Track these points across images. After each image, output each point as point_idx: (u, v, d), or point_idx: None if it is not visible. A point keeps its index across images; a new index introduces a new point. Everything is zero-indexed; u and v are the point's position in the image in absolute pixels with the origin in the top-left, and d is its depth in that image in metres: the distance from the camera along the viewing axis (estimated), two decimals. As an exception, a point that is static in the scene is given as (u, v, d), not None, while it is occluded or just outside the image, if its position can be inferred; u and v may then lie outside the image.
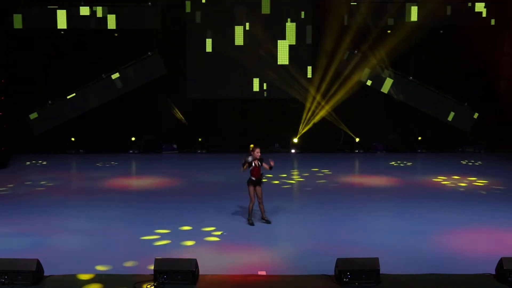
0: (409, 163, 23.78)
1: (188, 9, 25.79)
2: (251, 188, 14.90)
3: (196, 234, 14.14)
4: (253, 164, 14.77)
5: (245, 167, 14.75)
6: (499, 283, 10.90)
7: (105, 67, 25.60)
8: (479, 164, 23.83)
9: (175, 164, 24.32)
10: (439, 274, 11.32)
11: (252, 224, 14.97)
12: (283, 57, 26.02)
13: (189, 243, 13.45)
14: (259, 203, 15.06)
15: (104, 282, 10.88)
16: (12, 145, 24.33)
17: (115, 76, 25.58)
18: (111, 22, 25.06)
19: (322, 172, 21.93)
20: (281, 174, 21.56)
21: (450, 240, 13.80)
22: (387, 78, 25.82)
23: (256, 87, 26.07)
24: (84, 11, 24.96)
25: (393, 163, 23.95)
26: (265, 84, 26.04)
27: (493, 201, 17.79)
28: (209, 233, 14.26)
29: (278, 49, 26.01)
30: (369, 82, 25.83)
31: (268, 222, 15.14)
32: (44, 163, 23.99)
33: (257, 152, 14.81)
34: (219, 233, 14.26)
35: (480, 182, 20.26)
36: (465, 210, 16.74)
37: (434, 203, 17.46)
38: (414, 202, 17.64)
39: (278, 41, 25.97)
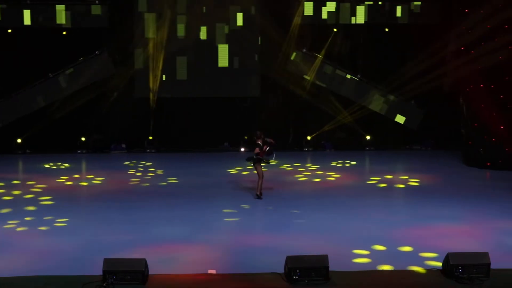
0: (353, 162, 23.89)
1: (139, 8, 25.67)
2: (259, 167, 17.20)
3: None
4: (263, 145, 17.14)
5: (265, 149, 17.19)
6: (446, 278, 11.08)
7: (53, 66, 25.25)
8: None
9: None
10: (387, 270, 11.46)
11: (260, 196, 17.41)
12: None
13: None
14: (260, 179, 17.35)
15: (52, 283, 10.76)
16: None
17: (63, 74, 25.33)
18: (59, 20, 24.87)
19: (272, 170, 21.99)
20: (232, 171, 21.70)
21: (397, 237, 13.96)
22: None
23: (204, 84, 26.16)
24: (33, 9, 24.72)
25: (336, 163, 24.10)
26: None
27: (428, 196, 18.15)
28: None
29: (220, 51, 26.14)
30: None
31: (259, 197, 17.39)
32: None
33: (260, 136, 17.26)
34: None
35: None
36: (407, 207, 17.01)
37: (379, 201, 17.72)
38: (359, 199, 17.84)
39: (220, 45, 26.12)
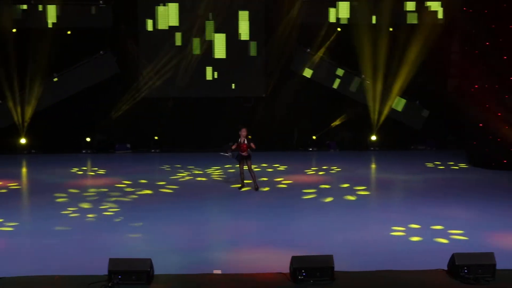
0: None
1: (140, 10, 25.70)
2: (241, 162, 18.48)
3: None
4: (240, 141, 18.26)
5: (233, 147, 18.43)
6: (451, 278, 11.07)
7: (57, 66, 25.26)
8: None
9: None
10: (393, 270, 11.45)
11: (242, 186, 18.80)
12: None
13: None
14: (250, 172, 18.52)
15: (58, 283, 10.78)
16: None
17: (70, 75, 25.38)
18: (63, 20, 24.91)
19: (275, 170, 22.03)
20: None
21: (403, 236, 13.97)
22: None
23: (209, 84, 26.17)
24: (36, 9, 24.73)
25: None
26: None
27: (442, 196, 18.14)
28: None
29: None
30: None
31: (256, 189, 18.57)
32: None
33: (243, 131, 18.30)
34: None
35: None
36: (414, 205, 16.98)
37: (385, 200, 17.70)
38: (366, 199, 17.83)
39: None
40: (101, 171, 22.14)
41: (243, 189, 18.80)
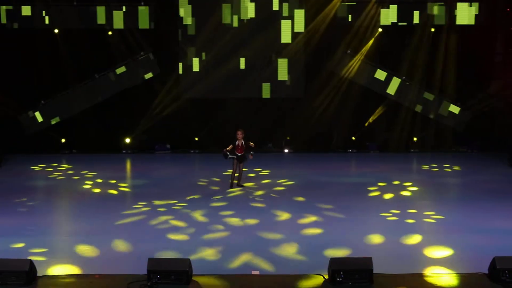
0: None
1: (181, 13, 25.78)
2: (235, 161, 18.91)
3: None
4: (237, 143, 18.78)
5: (229, 148, 18.75)
6: (492, 282, 10.94)
7: (98, 67, 25.48)
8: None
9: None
10: (432, 273, 11.36)
11: (231, 186, 19.13)
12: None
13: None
14: (239, 173, 19.20)
15: (97, 282, 10.87)
16: (4, 145, 24.10)
17: (111, 75, 25.59)
18: (103, 21, 25.15)
19: (313, 171, 21.98)
20: (272, 176, 21.67)
21: (442, 240, 13.85)
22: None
23: (252, 88, 26.14)
24: (77, 10, 25.01)
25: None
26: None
27: (484, 199, 17.90)
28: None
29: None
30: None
31: (242, 186, 19.22)
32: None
33: (239, 134, 18.79)
34: None
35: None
36: (457, 209, 16.79)
37: (423, 202, 17.55)
38: (404, 201, 17.69)
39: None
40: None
41: (231, 189, 19.05)
